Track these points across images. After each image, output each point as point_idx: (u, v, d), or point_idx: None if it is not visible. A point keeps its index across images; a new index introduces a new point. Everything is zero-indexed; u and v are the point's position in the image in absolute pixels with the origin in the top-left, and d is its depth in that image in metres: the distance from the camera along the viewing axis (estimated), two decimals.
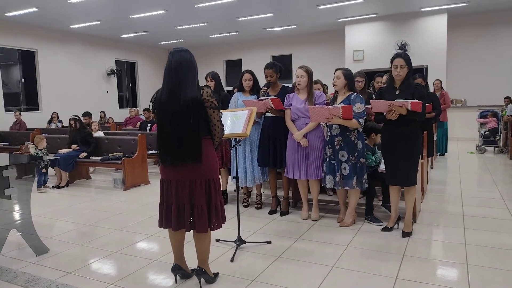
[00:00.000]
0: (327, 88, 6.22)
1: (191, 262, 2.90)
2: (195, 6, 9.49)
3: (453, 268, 2.91)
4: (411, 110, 3.28)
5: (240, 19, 10.99)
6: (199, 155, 2.45)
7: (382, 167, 4.03)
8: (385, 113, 3.39)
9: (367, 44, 11.55)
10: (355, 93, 3.77)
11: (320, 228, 3.89)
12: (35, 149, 6.11)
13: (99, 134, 7.29)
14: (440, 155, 8.28)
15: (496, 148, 8.76)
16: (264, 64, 4.35)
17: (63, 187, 6.24)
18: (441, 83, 8.08)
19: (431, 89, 7.65)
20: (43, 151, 6.06)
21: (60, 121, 11.06)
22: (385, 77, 5.25)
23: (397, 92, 3.48)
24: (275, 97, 4.02)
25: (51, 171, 6.55)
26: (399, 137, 3.47)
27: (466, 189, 5.32)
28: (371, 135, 4.16)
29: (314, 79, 4.20)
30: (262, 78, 4.39)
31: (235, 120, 3.29)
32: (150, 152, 6.99)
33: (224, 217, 2.67)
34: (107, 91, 13.81)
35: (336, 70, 3.82)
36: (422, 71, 10.46)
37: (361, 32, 11.61)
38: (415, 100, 3.25)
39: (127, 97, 15.44)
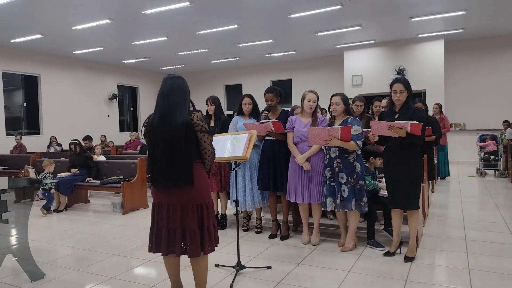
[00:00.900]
0: (325, 111, 6.27)
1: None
2: (197, 33, 9.70)
3: None
4: (411, 133, 3.30)
5: (241, 45, 11.20)
6: (191, 178, 2.45)
7: (382, 191, 4.01)
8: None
9: (366, 69, 11.73)
10: (352, 117, 3.80)
11: (321, 252, 3.83)
12: (43, 172, 6.12)
13: (101, 158, 7.29)
14: (441, 178, 8.25)
15: (496, 172, 8.73)
16: (264, 89, 4.41)
17: (62, 211, 6.18)
18: (440, 107, 8.15)
19: (431, 113, 7.70)
20: (50, 175, 6.07)
21: (60, 145, 11.09)
22: (384, 101, 5.30)
23: (396, 116, 3.51)
24: (276, 120, 4.04)
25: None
26: (400, 160, 3.47)
27: (468, 213, 5.27)
28: (370, 159, 4.16)
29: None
30: (261, 102, 4.44)
31: (235, 144, 3.30)
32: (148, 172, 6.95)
33: (217, 240, 2.63)
34: (108, 115, 13.92)
35: (333, 96, 3.86)
36: (420, 96, 10.56)
37: (359, 57, 11.81)
38: (415, 122, 3.27)
39: (128, 121, 15.55)
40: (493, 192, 6.83)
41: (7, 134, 10.95)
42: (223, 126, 4.60)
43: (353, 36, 10.61)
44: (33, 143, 11.10)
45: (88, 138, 8.34)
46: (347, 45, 11.56)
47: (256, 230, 4.56)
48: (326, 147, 3.87)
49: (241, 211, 4.59)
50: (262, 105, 4.51)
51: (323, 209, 3.96)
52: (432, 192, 6.65)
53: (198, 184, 2.49)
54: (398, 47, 11.29)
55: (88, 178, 6.41)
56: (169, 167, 2.45)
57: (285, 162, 4.16)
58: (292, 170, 4.05)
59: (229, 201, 4.75)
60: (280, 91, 4.34)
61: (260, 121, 4.18)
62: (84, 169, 6.52)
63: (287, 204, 4.33)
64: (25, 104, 12.02)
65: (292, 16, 8.54)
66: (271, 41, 10.85)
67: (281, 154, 4.18)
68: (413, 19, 9.08)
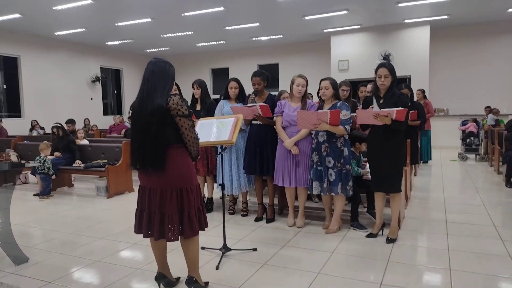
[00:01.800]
0: (311, 96, 6.28)
1: (179, 270, 2.87)
2: (182, 14, 9.52)
3: (436, 273, 2.94)
4: (395, 120, 3.34)
5: (227, 28, 11.05)
6: (160, 163, 2.42)
7: (367, 175, 4.07)
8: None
9: (352, 54, 11.74)
10: (341, 101, 3.82)
11: (306, 235, 3.89)
12: (40, 156, 6.00)
13: (85, 142, 7.18)
14: (423, 162, 8.41)
15: (477, 156, 8.95)
16: (250, 73, 4.37)
17: None
18: (423, 92, 8.24)
19: (416, 99, 7.79)
20: (46, 159, 5.96)
21: (42, 128, 10.87)
22: (369, 86, 5.34)
23: (381, 101, 3.55)
24: (264, 104, 4.03)
25: (32, 178, 6.41)
26: (383, 145, 3.53)
27: (449, 196, 5.41)
28: (355, 144, 4.20)
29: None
30: (248, 86, 4.41)
31: (221, 128, 3.29)
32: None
33: (204, 223, 2.61)
34: (92, 98, 13.66)
35: (322, 80, 3.85)
36: (405, 81, 10.66)
37: (346, 42, 11.81)
38: (400, 108, 3.31)
39: (112, 104, 15.29)
40: (474, 175, 7.01)
41: None
42: (209, 110, 4.56)
43: (340, 20, 10.58)
44: (14, 127, 10.85)
45: (71, 122, 8.19)
46: (334, 29, 11.53)
47: (242, 213, 4.60)
48: (314, 132, 3.89)
49: (227, 195, 4.61)
50: (248, 89, 4.49)
51: (309, 192, 4.01)
52: (415, 175, 6.79)
53: (175, 169, 2.46)
54: (384, 33, 11.32)
55: (77, 161, 6.33)
56: (141, 151, 2.46)
57: (272, 146, 4.17)
58: (279, 154, 4.07)
59: (215, 184, 4.77)
60: (268, 75, 4.32)
61: (247, 105, 4.16)
62: (67, 152, 6.42)
63: (273, 188, 4.37)
64: (4, 86, 11.69)
65: None
66: (258, 24, 10.74)
67: (267, 139, 4.19)
68: (399, 4, 9.09)
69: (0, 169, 3.75)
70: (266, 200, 4.58)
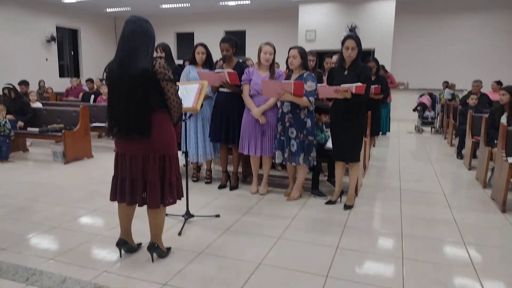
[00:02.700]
0: (278, 66, 6.24)
1: (140, 236, 2.86)
2: None
3: (389, 238, 3.12)
4: (356, 93, 3.40)
5: None
6: (146, 129, 2.35)
7: (328, 144, 4.17)
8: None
9: (319, 25, 11.70)
10: (308, 72, 3.81)
11: (268, 202, 3.98)
12: None
13: (38, 105, 6.81)
14: (382, 134, 8.71)
15: (432, 129, 9.39)
16: (216, 39, 4.25)
17: None
18: (383, 68, 8.37)
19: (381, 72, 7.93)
20: (6, 120, 5.63)
21: None
22: (335, 58, 5.37)
23: (345, 73, 3.59)
24: (232, 71, 3.95)
25: None
26: (345, 116, 3.61)
27: (404, 166, 5.68)
28: (315, 115, 4.25)
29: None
30: (214, 53, 4.30)
31: (185, 94, 3.21)
32: (94, 125, 6.67)
33: (181, 193, 2.62)
34: (47, 59, 12.84)
35: (291, 49, 3.81)
36: (369, 54, 10.82)
37: (314, 12, 11.71)
38: (359, 84, 3.37)
39: (69, 66, 14.48)
40: (428, 147, 7.38)
41: None
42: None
43: None
44: None
45: (24, 83, 7.71)
46: None
47: (205, 181, 4.61)
48: (280, 102, 3.89)
49: (191, 162, 4.59)
50: (215, 56, 4.39)
51: (273, 161, 4.07)
52: (374, 146, 7.04)
53: (158, 135, 2.40)
54: (351, 4, 11.31)
55: (20, 123, 5.99)
56: (125, 117, 2.34)
57: (238, 115, 4.14)
58: (245, 122, 4.05)
59: (179, 152, 4.71)
60: (237, 41, 4.21)
61: (215, 71, 4.06)
62: (20, 116, 6.08)
63: (238, 156, 4.38)
64: None
65: None
66: None
67: (234, 107, 4.15)
68: None
69: None
70: (230, 168, 4.60)
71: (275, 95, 3.70)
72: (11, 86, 6.17)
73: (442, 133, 8.91)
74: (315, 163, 3.92)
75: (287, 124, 3.81)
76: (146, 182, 2.45)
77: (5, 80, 7.93)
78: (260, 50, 3.92)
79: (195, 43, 4.43)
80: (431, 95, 9.48)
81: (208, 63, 4.37)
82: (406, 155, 6.61)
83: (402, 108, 11.31)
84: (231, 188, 4.37)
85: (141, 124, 2.35)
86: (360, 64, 3.58)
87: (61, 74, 13.64)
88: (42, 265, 2.58)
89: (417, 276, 2.50)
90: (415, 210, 3.79)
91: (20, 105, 6.13)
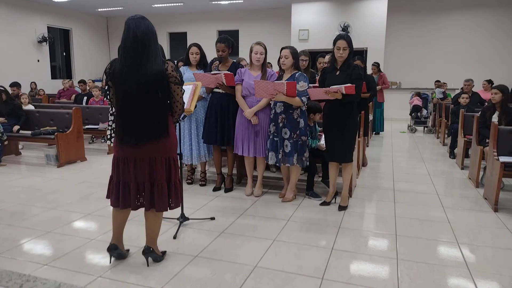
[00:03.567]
0: (271, 66, 6.25)
1: (136, 240, 2.85)
2: None
3: (383, 238, 3.14)
4: (346, 94, 3.42)
5: None
6: (166, 130, 2.37)
7: (322, 142, 4.17)
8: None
9: (312, 24, 11.72)
10: (300, 72, 3.83)
11: (263, 204, 3.99)
12: None
13: (29, 107, 6.74)
14: (375, 133, 8.77)
15: (425, 128, 9.46)
16: (210, 39, 4.24)
17: None
18: (378, 66, 8.43)
19: (369, 72, 7.97)
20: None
21: None
22: (327, 57, 5.38)
23: (337, 73, 3.60)
24: (228, 72, 3.93)
25: None
26: (337, 116, 3.63)
27: (397, 166, 5.72)
28: (310, 115, 4.26)
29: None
30: (207, 53, 4.29)
31: None
32: (87, 127, 6.62)
33: (182, 196, 2.63)
34: (38, 60, 12.71)
35: (283, 48, 3.82)
36: (362, 54, 10.87)
37: (307, 11, 11.73)
38: (348, 84, 3.39)
39: (61, 67, 14.35)
40: (421, 147, 7.43)
41: None
42: None
43: None
44: None
45: (16, 85, 7.62)
46: None
47: (200, 183, 4.60)
48: (272, 103, 3.90)
49: (186, 165, 4.58)
50: (209, 56, 4.37)
51: (266, 162, 4.08)
52: (367, 146, 7.07)
53: (168, 138, 2.41)
54: (344, 3, 11.35)
55: (16, 127, 5.94)
56: (146, 121, 2.29)
57: (233, 116, 4.13)
58: (239, 123, 4.05)
59: None
60: (233, 41, 4.18)
61: (211, 72, 4.05)
62: (12, 118, 6.02)
63: (232, 158, 4.38)
64: None
65: None
66: None
67: (229, 108, 4.14)
68: None
69: None
70: (225, 170, 4.60)
71: (267, 95, 3.70)
72: (2, 88, 6.10)
73: (435, 133, 8.98)
74: (308, 163, 3.94)
75: (280, 124, 3.82)
76: (153, 185, 2.44)
77: None
78: (251, 50, 3.92)
79: (188, 43, 4.41)
80: (419, 95, 9.56)
81: (202, 64, 4.35)
82: (399, 155, 6.65)
83: (394, 108, 11.40)
84: (226, 190, 4.36)
85: (161, 127, 2.34)
86: (351, 64, 3.60)
87: (53, 76, 13.52)
88: (36, 271, 2.56)
89: (412, 276, 2.52)
90: (408, 210, 3.81)
91: (12, 108, 6.07)
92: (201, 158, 4.41)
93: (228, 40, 4.13)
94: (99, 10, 13.64)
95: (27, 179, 4.97)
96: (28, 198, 4.13)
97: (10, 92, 6.88)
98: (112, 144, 2.49)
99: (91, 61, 14.16)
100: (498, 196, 3.80)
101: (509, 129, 4.15)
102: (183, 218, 3.33)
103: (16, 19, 11.85)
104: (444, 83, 10.34)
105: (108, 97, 2.48)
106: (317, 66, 5.71)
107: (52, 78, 13.32)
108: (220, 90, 4.11)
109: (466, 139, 5.52)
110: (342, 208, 3.78)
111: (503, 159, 3.82)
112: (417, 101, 9.39)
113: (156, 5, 12.77)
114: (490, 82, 8.08)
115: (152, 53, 2.31)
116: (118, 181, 2.49)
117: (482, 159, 4.60)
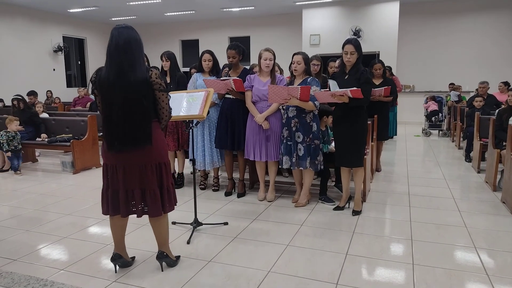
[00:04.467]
0: (282, 71, 6.25)
1: (149, 246, 2.87)
2: None
3: (399, 243, 3.10)
4: (353, 97, 3.40)
5: None
6: (149, 139, 2.37)
7: (333, 145, 4.14)
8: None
9: (323, 29, 11.71)
10: (311, 77, 3.84)
11: (276, 208, 3.97)
12: (6, 132, 5.66)
13: (44, 115, 6.89)
14: (389, 137, 8.67)
15: (440, 132, 9.33)
16: (221, 45, 4.28)
17: (7, 170, 5.86)
18: (390, 70, 8.34)
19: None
20: (17, 134, 5.68)
21: (1, 100, 10.30)
22: (338, 62, 5.37)
23: (346, 77, 3.60)
24: (238, 78, 3.97)
25: None
26: (346, 120, 3.62)
27: (412, 170, 5.65)
28: (323, 118, 4.25)
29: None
30: (219, 59, 4.32)
31: (191, 102, 3.24)
32: (102, 134, 6.72)
33: (176, 199, 2.64)
34: (54, 69, 13.00)
35: (295, 54, 3.84)
36: (374, 57, 10.80)
37: (317, 16, 11.73)
38: (354, 88, 3.37)
39: (76, 76, 14.63)
40: (436, 150, 7.32)
41: None
42: (178, 83, 4.47)
43: None
44: None
45: (32, 94, 7.82)
46: (306, 2, 11.40)
47: (213, 188, 4.62)
48: (284, 107, 3.91)
49: (199, 170, 4.60)
50: (222, 62, 4.41)
51: (280, 167, 4.07)
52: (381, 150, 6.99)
53: (156, 144, 2.43)
54: (355, 7, 11.32)
55: (43, 135, 6.09)
56: (130, 128, 2.33)
57: (244, 121, 4.15)
58: (250, 129, 4.07)
59: (187, 160, 4.73)
60: (243, 48, 4.22)
61: (221, 78, 4.08)
62: (29, 126, 6.16)
63: (243, 163, 4.39)
64: None
65: None
66: None
67: (239, 113, 4.16)
68: None
69: None
70: (236, 175, 4.61)
71: (281, 100, 3.71)
72: (20, 97, 6.25)
73: (450, 136, 8.84)
74: (322, 167, 3.92)
75: (294, 128, 3.82)
76: (144, 192, 2.46)
77: (13, 90, 8.04)
78: (260, 57, 3.95)
79: (200, 50, 4.46)
80: (434, 98, 9.43)
81: (215, 70, 4.39)
82: (414, 158, 6.57)
83: (408, 111, 11.28)
84: (239, 195, 4.37)
85: (146, 133, 2.36)
86: (360, 68, 3.58)
87: (69, 84, 13.79)
88: (53, 276, 2.60)
89: (428, 282, 2.48)
90: (424, 214, 3.76)
91: (29, 116, 6.20)
92: (214, 163, 4.43)
93: (239, 47, 4.17)
94: (113, 19, 13.90)
95: (43, 185, 5.06)
96: (44, 204, 4.20)
97: (27, 100, 7.04)
98: None
99: None
100: None
101: None
102: (196, 223, 3.35)
103: (33, 30, 12.16)
104: (459, 85, 10.19)
105: (96, 104, 2.50)
106: (329, 70, 5.70)
107: (67, 87, 13.59)
108: (230, 96, 4.14)
109: (482, 142, 5.42)
110: (356, 213, 3.75)
111: None
112: (433, 105, 9.26)
113: (168, 14, 12.95)
114: (506, 84, 7.92)
115: (135, 61, 2.33)
116: (107, 189, 2.50)
117: (499, 162, 4.51)
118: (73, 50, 14.27)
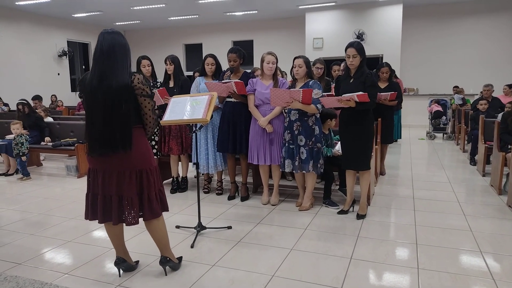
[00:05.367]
0: (285, 74, 6.27)
1: (153, 250, 2.87)
2: None
3: (403, 247, 3.08)
4: (360, 102, 3.40)
5: (200, 1, 10.74)
6: (129, 143, 2.33)
7: (337, 147, 4.14)
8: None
9: (327, 32, 11.73)
10: (313, 80, 3.84)
11: (279, 212, 3.97)
12: (15, 136, 5.69)
13: (48, 119, 6.93)
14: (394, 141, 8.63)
15: (444, 135, 9.28)
16: (225, 49, 4.28)
17: (12, 174, 5.90)
18: (394, 73, 8.32)
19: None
20: (26, 138, 5.70)
21: (6, 105, 10.37)
22: (343, 65, 5.38)
23: (351, 81, 3.60)
24: (239, 81, 3.97)
25: None
26: (352, 123, 3.61)
27: (416, 173, 5.62)
28: (326, 121, 4.23)
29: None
30: (223, 63, 4.33)
31: (195, 105, 3.24)
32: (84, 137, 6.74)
33: (165, 206, 2.57)
34: (59, 74, 13.09)
35: (296, 58, 3.84)
36: (377, 60, 10.79)
37: (321, 20, 11.76)
38: (361, 93, 3.36)
39: None
40: (440, 153, 7.29)
41: None
42: (182, 87, 4.48)
43: None
44: None
45: (37, 98, 7.87)
46: (309, 6, 11.43)
47: (216, 192, 4.62)
48: (286, 110, 3.91)
49: (202, 174, 4.60)
50: (224, 66, 4.42)
51: (282, 170, 4.07)
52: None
53: (136, 150, 2.37)
54: (358, 11, 11.33)
55: (47, 138, 6.12)
56: (109, 132, 2.31)
57: (246, 124, 4.15)
58: (253, 132, 4.07)
59: (190, 164, 4.74)
60: (244, 52, 4.24)
61: (222, 81, 4.09)
62: (34, 130, 6.19)
63: (246, 166, 4.39)
64: None
65: None
66: None
67: (241, 116, 4.16)
68: None
69: None
70: (239, 178, 4.61)
71: (283, 103, 3.71)
72: (25, 102, 6.30)
73: (454, 139, 8.80)
74: (322, 170, 3.91)
75: (296, 132, 3.81)
76: (121, 198, 2.41)
77: (18, 95, 8.10)
78: (262, 60, 3.96)
79: (203, 54, 4.47)
80: (438, 102, 9.39)
81: (218, 74, 4.40)
82: (419, 162, 6.54)
83: (412, 114, 11.24)
84: (242, 199, 4.36)
85: (125, 138, 2.32)
86: (365, 71, 3.58)
87: (73, 89, 13.88)
88: (57, 280, 2.60)
89: (433, 286, 2.46)
90: (429, 218, 3.73)
91: (34, 120, 6.24)
92: (218, 167, 4.43)
93: (240, 51, 4.19)
94: (117, 24, 13.98)
95: (48, 189, 5.08)
96: (49, 208, 4.21)
97: (32, 105, 7.08)
98: None
99: None
100: None
101: None
102: (200, 227, 3.34)
103: (38, 34, 12.26)
104: (461, 89, 10.15)
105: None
106: (332, 74, 5.70)
107: (72, 91, 13.67)
108: (232, 99, 4.14)
109: (487, 145, 5.39)
110: (360, 216, 3.73)
111: None
112: (436, 107, 9.23)
113: (172, 18, 13.01)
114: (511, 86, 7.88)
115: (117, 65, 2.33)
116: (88, 193, 2.49)
117: (504, 166, 4.48)
118: (77, 55, 14.37)
